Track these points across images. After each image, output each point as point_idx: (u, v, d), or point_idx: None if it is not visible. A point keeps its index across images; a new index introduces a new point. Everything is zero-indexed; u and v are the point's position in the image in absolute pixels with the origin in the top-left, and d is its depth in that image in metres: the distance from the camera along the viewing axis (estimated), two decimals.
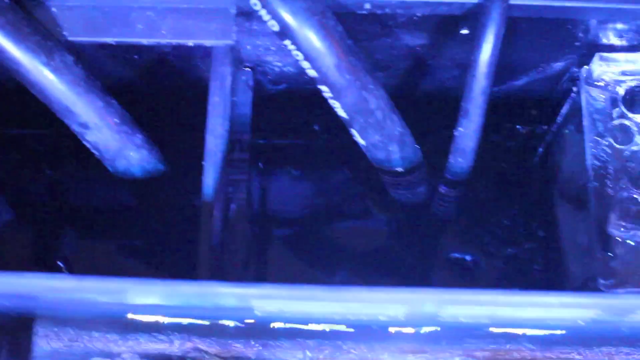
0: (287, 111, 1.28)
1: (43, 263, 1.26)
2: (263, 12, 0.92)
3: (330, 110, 1.26)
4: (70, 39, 1.01)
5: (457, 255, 1.32)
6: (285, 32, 0.92)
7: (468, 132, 0.99)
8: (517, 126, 1.28)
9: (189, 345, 1.04)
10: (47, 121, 1.32)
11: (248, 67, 1.14)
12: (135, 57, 1.12)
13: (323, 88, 0.97)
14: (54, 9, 1.00)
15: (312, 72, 0.95)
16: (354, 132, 1.01)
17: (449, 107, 1.21)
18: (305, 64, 0.94)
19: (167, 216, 1.16)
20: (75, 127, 1.01)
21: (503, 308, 0.89)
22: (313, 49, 0.93)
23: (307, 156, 1.37)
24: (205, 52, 1.09)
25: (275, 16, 0.91)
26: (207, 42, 1.01)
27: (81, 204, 1.36)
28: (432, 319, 0.93)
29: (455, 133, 1.01)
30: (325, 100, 1.21)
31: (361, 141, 1.02)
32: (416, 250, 1.29)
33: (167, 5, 1.00)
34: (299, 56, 0.94)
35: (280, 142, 1.36)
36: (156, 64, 1.13)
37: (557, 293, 0.85)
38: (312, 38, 0.92)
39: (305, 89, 1.21)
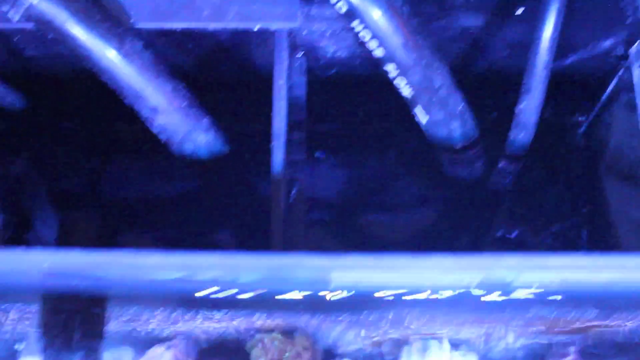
0: (333, 96, 1.29)
1: None
2: None
3: (373, 97, 1.29)
4: (137, 25, 1.02)
5: (503, 232, 1.34)
6: (353, 12, 0.94)
7: (530, 106, 1.02)
8: (561, 103, 1.31)
9: (247, 321, 1.05)
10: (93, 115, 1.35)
11: (302, 52, 1.16)
12: (190, 45, 1.14)
13: (389, 67, 0.99)
14: None
15: (379, 52, 0.97)
16: (417, 110, 1.03)
17: (496, 86, 1.24)
18: (373, 44, 0.97)
19: (229, 196, 1.17)
20: (145, 112, 1.03)
21: (580, 272, 0.90)
22: (381, 28, 0.95)
23: (351, 141, 1.39)
24: (261, 39, 1.11)
25: None
26: (273, 26, 1.03)
27: (136, 194, 1.38)
28: (506, 285, 0.94)
29: (517, 108, 1.03)
30: (369, 86, 1.23)
31: (423, 119, 1.04)
32: (466, 227, 1.31)
33: None
34: (367, 36, 0.96)
35: (324, 127, 1.38)
36: (211, 50, 1.15)
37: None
38: (380, 18, 0.94)
39: (353, 74, 1.23)
